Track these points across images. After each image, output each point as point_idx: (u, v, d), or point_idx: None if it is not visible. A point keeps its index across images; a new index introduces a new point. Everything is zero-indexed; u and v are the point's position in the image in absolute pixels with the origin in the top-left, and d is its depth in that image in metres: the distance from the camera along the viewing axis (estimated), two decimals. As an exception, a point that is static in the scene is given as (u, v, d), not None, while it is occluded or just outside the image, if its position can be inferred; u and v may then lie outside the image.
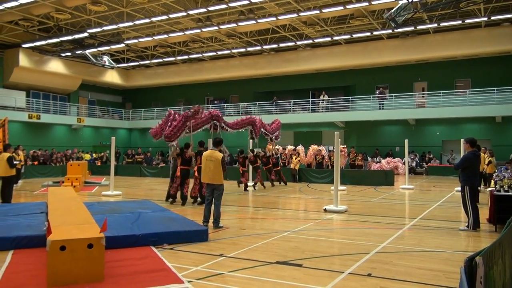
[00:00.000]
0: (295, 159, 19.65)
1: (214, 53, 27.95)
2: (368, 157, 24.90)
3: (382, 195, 14.26)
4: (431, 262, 5.79)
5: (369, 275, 5.17)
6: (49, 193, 9.61)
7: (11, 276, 5.04)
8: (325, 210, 10.53)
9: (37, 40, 24.30)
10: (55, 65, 28.08)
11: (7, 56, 26.43)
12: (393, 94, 25.42)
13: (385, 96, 25.61)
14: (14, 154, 18.23)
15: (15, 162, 18.02)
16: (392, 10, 14.06)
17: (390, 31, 22.55)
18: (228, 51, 27.40)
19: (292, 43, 25.26)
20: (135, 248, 6.33)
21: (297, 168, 19.59)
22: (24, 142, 23.46)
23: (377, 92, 26.28)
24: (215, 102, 31.77)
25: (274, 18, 20.54)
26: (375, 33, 22.90)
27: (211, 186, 8.21)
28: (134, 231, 6.74)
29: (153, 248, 6.34)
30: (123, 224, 7.35)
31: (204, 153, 8.44)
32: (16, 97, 26.42)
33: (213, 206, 8.18)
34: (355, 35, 23.49)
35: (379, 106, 25.52)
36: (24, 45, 25.17)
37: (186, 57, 28.97)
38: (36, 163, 23.15)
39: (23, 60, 26.06)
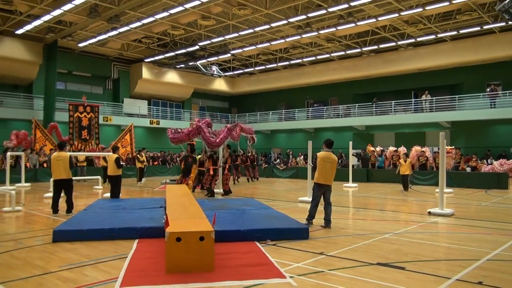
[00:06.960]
0: (404, 161, 15.34)
1: (313, 58, 27.85)
2: (478, 159, 22.67)
3: (494, 199, 12.95)
4: (555, 274, 5.09)
5: (480, 283, 4.72)
6: (167, 190, 10.39)
7: (136, 262, 5.57)
8: (429, 213, 9.86)
9: (156, 55, 26.77)
10: (171, 76, 30.51)
11: (132, 70, 29.46)
12: (507, 91, 22.82)
13: (498, 94, 23.11)
14: (138, 155, 20.18)
15: (142, 161, 19.67)
16: (506, 1, 12.68)
17: (503, 24, 20.32)
18: (328, 55, 27.09)
19: (393, 44, 24.07)
20: (240, 242, 6.56)
21: (409, 173, 15.37)
22: (146, 145, 25.94)
23: (488, 89, 23.78)
24: (315, 105, 31.58)
25: (374, 20, 19.78)
26: (485, 27, 20.79)
27: (324, 187, 8.20)
28: (240, 227, 6.99)
29: (257, 243, 6.52)
30: (230, 220, 7.67)
31: (321, 155, 8.27)
32: (140, 106, 29.48)
33: (322, 206, 8.21)
34: (462, 31, 21.56)
35: (491, 105, 23.06)
36: (146, 60, 27.87)
37: (287, 63, 29.29)
38: (156, 163, 25.36)
39: (145, 73, 28.85)
